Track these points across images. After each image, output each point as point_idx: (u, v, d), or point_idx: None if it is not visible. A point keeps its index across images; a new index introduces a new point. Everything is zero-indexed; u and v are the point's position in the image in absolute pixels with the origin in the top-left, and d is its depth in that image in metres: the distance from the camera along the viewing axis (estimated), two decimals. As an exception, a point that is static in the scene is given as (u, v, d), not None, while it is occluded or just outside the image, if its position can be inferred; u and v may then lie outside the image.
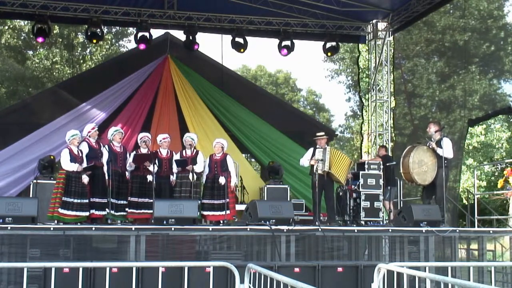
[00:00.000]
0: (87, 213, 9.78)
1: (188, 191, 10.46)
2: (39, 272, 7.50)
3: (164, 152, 10.69)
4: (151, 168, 10.13)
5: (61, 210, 9.54)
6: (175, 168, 10.58)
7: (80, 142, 10.00)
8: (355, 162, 11.20)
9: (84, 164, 9.77)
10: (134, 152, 10.54)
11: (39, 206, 8.95)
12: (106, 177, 9.93)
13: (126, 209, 10.28)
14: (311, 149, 10.96)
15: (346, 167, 10.82)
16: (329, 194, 10.95)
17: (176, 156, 10.69)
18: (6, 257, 8.34)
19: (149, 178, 10.21)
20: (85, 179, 9.71)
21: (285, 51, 14.79)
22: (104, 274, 6.58)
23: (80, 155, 9.81)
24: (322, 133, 11.24)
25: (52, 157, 11.76)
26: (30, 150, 13.29)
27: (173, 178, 10.58)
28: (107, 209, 9.82)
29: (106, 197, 9.82)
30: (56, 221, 9.48)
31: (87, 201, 9.75)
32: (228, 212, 10.48)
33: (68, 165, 9.63)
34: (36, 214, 8.80)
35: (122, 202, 10.23)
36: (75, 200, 9.61)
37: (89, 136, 10.16)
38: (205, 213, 10.60)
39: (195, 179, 10.52)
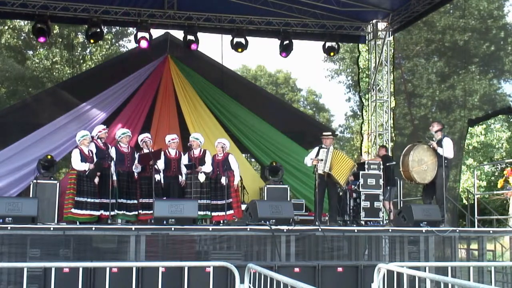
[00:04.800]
0: (99, 213, 9.87)
1: (199, 192, 10.52)
2: (39, 272, 7.50)
3: (172, 152, 10.78)
4: (156, 166, 10.19)
5: (74, 210, 9.64)
6: (184, 170, 10.63)
7: (90, 142, 10.09)
8: (356, 165, 11.14)
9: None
10: (139, 153, 10.59)
11: (39, 206, 8.97)
12: (114, 178, 9.99)
13: (140, 211, 10.33)
14: (317, 148, 10.94)
15: (348, 169, 10.74)
16: (332, 193, 10.94)
17: (184, 158, 10.75)
18: (6, 257, 8.35)
19: (157, 177, 10.27)
20: (96, 179, 9.81)
21: (284, 53, 14.80)
22: (104, 274, 6.57)
23: (91, 155, 9.91)
24: (329, 133, 11.24)
25: (49, 156, 11.77)
26: (30, 150, 13.27)
27: (182, 178, 10.63)
28: (116, 210, 9.88)
29: (113, 198, 9.88)
30: (77, 222, 9.54)
31: (98, 200, 9.85)
32: (231, 212, 10.52)
33: (79, 165, 9.72)
34: (36, 214, 8.81)
35: (133, 201, 10.30)
36: (88, 200, 9.72)
37: (98, 137, 10.23)
38: (213, 214, 10.65)
39: (203, 179, 10.57)
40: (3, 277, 8.20)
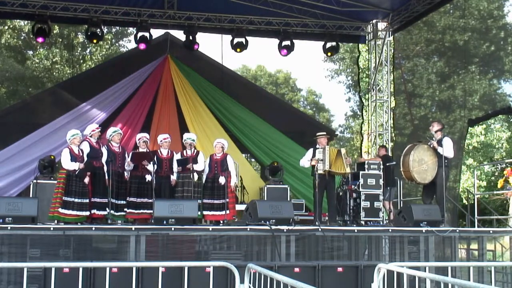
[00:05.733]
0: (87, 213, 9.78)
1: (190, 191, 10.49)
2: (39, 272, 7.49)
3: (164, 152, 10.70)
4: (149, 167, 10.14)
5: (61, 210, 9.55)
6: (175, 168, 10.60)
7: (81, 141, 10.01)
8: (355, 161, 11.13)
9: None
10: (132, 152, 10.55)
11: (39, 206, 8.95)
12: (106, 177, 9.93)
13: (125, 209, 10.29)
14: (311, 150, 10.97)
15: (339, 157, 10.76)
16: (331, 193, 10.95)
17: (177, 156, 10.72)
18: (6, 257, 8.34)
19: (148, 178, 10.23)
20: (86, 179, 9.74)
21: (285, 51, 14.80)
22: (104, 274, 6.57)
23: (81, 154, 9.82)
24: (323, 133, 11.28)
25: (52, 157, 11.76)
26: (30, 150, 13.29)
27: (173, 177, 10.59)
28: (107, 209, 9.82)
29: (107, 197, 9.83)
30: (56, 221, 9.49)
31: (87, 201, 9.76)
32: (228, 212, 10.50)
33: (68, 165, 9.64)
34: (36, 214, 8.80)
35: (121, 202, 10.25)
36: (76, 200, 9.62)
37: (91, 136, 10.17)
38: (205, 212, 10.62)
39: (196, 178, 10.54)
40: (3, 277, 8.20)
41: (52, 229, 8.64)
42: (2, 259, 8.24)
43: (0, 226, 8.40)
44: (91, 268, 7.55)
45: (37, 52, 25.72)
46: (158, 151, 10.69)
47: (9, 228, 8.40)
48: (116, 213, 10.12)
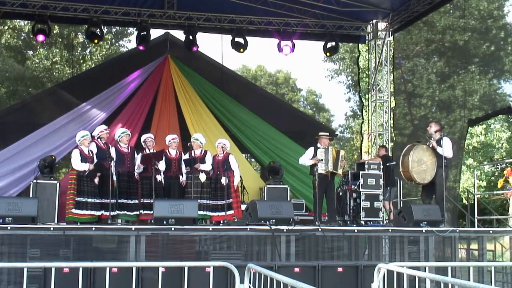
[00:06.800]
0: (99, 213, 9.86)
1: (199, 192, 10.52)
2: (39, 272, 7.50)
3: (173, 153, 10.75)
4: (160, 167, 10.23)
5: (75, 210, 9.64)
6: (184, 169, 10.63)
7: (90, 142, 10.09)
8: (355, 161, 11.16)
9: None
10: (141, 154, 10.57)
11: (39, 206, 8.96)
12: (114, 178, 9.98)
13: (141, 211, 10.32)
14: (312, 148, 10.96)
15: (337, 158, 10.79)
16: (330, 194, 10.95)
17: (185, 157, 10.76)
18: (6, 257, 8.34)
19: (159, 178, 10.27)
20: (96, 179, 9.81)
21: (288, 49, 14.78)
22: (104, 274, 6.57)
23: (91, 155, 9.90)
24: (326, 133, 11.27)
25: (52, 157, 11.76)
26: (30, 150, 13.28)
27: (183, 178, 10.63)
28: (116, 210, 9.87)
29: (114, 198, 9.90)
30: (78, 223, 9.55)
31: (99, 200, 9.84)
32: (231, 212, 10.53)
33: (79, 165, 9.71)
34: (36, 214, 8.81)
35: (135, 201, 10.29)
36: (89, 200, 9.72)
37: (99, 137, 10.22)
38: (211, 214, 10.65)
39: (204, 179, 10.58)
40: (3, 277, 8.20)
41: (52, 229, 8.64)
42: (2, 259, 8.25)
43: (0, 226, 8.40)
44: (91, 268, 7.56)
45: (37, 52, 25.73)
46: (167, 151, 10.73)
47: (9, 228, 8.41)
48: (130, 213, 10.19)
